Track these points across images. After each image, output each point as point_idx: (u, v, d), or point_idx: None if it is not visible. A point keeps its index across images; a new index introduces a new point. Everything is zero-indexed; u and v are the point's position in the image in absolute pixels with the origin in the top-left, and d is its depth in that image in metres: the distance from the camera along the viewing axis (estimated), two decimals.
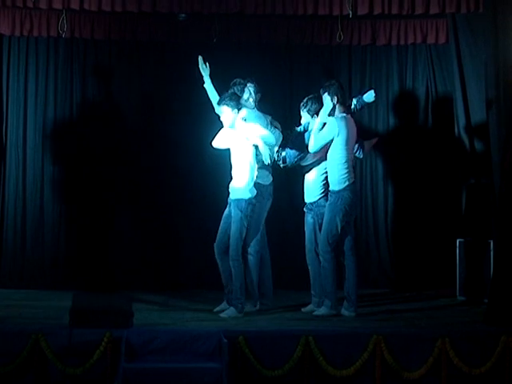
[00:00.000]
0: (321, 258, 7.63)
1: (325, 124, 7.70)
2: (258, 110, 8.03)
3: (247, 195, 7.65)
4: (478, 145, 8.87)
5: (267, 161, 7.66)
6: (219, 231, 7.82)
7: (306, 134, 7.81)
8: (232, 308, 7.60)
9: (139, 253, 9.54)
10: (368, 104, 7.98)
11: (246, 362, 6.50)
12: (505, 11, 7.49)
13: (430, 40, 9.53)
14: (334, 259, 7.60)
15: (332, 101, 7.65)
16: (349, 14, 7.97)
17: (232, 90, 7.89)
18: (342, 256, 7.72)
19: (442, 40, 9.45)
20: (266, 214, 7.94)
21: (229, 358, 6.38)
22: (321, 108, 7.78)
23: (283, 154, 7.76)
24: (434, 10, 7.97)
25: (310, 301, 7.95)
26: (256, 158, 7.71)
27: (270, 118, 8.09)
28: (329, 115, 7.66)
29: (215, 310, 7.75)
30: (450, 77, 9.38)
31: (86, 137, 9.64)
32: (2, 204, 9.57)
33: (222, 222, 7.83)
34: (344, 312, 7.62)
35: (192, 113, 9.33)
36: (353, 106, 7.81)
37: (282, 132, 7.97)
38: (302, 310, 7.91)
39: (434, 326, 7.19)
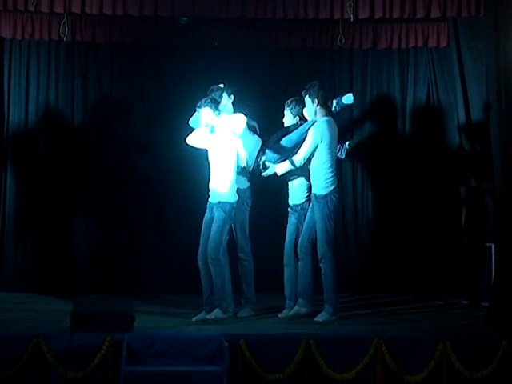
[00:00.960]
0: (322, 266, 7.57)
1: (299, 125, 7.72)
2: (235, 111, 7.96)
3: (231, 199, 7.59)
4: (479, 148, 8.87)
5: (248, 166, 7.65)
6: (202, 237, 7.66)
7: (285, 138, 7.74)
8: (217, 309, 7.50)
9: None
10: (347, 106, 7.97)
11: (246, 365, 6.49)
12: (506, 15, 7.51)
13: (431, 44, 9.53)
14: (335, 266, 7.56)
15: (313, 103, 7.62)
16: (350, 18, 7.99)
17: (211, 96, 7.79)
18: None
19: (443, 43, 9.45)
20: (248, 217, 7.92)
21: (229, 362, 6.37)
22: (303, 109, 7.76)
23: (263, 158, 7.70)
24: (435, 13, 7.99)
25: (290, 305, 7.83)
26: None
27: (247, 118, 8.06)
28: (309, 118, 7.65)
29: (194, 319, 7.52)
30: (451, 80, 9.38)
31: (87, 139, 9.65)
32: (4, 207, 9.56)
33: (203, 227, 7.67)
34: (324, 317, 7.51)
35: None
36: (332, 109, 7.79)
37: (259, 135, 7.91)
38: (279, 315, 7.80)
39: (435, 330, 7.18)
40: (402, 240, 9.83)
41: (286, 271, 7.88)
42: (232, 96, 7.94)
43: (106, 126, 9.73)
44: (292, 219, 7.91)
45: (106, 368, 6.37)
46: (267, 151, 7.72)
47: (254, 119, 8.04)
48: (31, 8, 8.02)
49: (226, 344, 6.41)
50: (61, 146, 9.64)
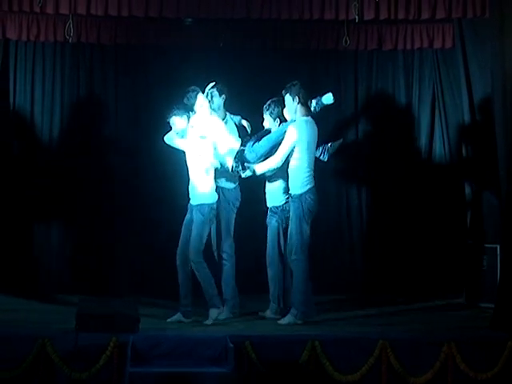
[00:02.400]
0: (293, 266, 7.50)
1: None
2: (227, 111, 7.96)
3: (209, 200, 7.56)
4: (484, 149, 8.86)
5: (226, 167, 7.64)
6: (181, 239, 7.64)
7: (264, 139, 7.71)
8: (213, 309, 7.46)
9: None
10: (327, 106, 7.91)
11: (252, 366, 6.48)
12: (511, 16, 7.49)
13: (437, 45, 9.52)
14: (308, 268, 7.47)
15: (293, 101, 7.58)
16: (355, 19, 7.96)
17: (185, 99, 7.77)
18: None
19: (448, 45, 9.44)
20: (234, 217, 7.89)
21: (235, 363, 6.36)
22: (283, 110, 7.72)
23: (241, 159, 7.65)
24: (440, 14, 7.96)
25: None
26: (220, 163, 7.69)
27: (239, 118, 8.04)
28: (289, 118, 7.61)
29: (168, 320, 7.47)
30: (457, 81, 9.37)
31: (92, 140, 9.67)
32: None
33: (183, 228, 7.65)
34: (290, 320, 7.42)
35: None
36: (312, 109, 7.76)
37: (247, 134, 7.90)
38: (260, 313, 7.81)
39: (440, 331, 7.18)
40: (406, 241, 9.83)
41: (269, 273, 7.81)
42: (223, 95, 7.90)
43: (111, 126, 9.74)
44: (273, 222, 7.83)
45: (111, 369, 6.37)
46: (246, 151, 7.68)
47: (245, 119, 8.02)
48: (36, 9, 8.00)
49: (232, 345, 6.41)
50: (64, 147, 9.66)
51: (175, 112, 7.65)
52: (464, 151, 9.28)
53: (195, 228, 7.51)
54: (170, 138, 7.85)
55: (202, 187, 7.57)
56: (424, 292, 9.46)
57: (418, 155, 9.90)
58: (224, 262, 7.88)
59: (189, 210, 7.67)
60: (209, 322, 7.42)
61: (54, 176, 9.56)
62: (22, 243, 9.52)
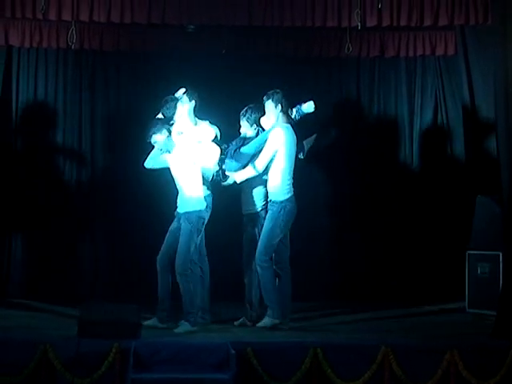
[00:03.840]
0: (258, 269, 7.47)
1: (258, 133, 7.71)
2: (196, 117, 7.93)
3: (197, 207, 7.49)
4: (486, 156, 8.86)
5: (207, 175, 7.61)
6: (164, 244, 7.57)
7: (245, 146, 7.69)
8: (186, 323, 7.36)
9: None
10: (307, 115, 7.87)
11: (253, 373, 6.47)
12: None
13: (439, 52, 9.54)
14: (272, 268, 7.47)
15: (276, 108, 7.57)
16: (357, 26, 7.97)
17: (164, 109, 7.75)
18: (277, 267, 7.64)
19: (450, 52, 9.46)
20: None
21: (236, 370, 6.36)
22: (261, 117, 7.69)
23: (223, 167, 7.63)
24: (442, 21, 7.97)
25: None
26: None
27: (207, 123, 7.99)
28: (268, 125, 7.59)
29: (145, 323, 7.28)
30: (459, 88, 9.39)
31: (94, 147, 9.68)
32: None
33: (168, 235, 7.59)
34: (267, 322, 7.44)
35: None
36: (293, 117, 7.73)
37: (217, 142, 7.86)
38: (235, 323, 7.77)
39: (442, 339, 7.16)
40: (407, 247, 9.84)
41: (246, 281, 7.79)
42: (193, 101, 7.86)
43: (113, 133, 9.75)
44: (248, 229, 7.80)
45: (113, 375, 6.36)
46: (227, 160, 7.66)
47: (214, 125, 7.98)
48: (39, 16, 8.03)
49: (233, 352, 6.40)
50: (69, 153, 9.68)
51: (154, 130, 7.54)
52: (466, 158, 9.27)
53: (182, 238, 7.41)
54: (153, 158, 7.72)
55: (190, 194, 7.48)
56: (426, 299, 9.44)
57: (420, 162, 9.90)
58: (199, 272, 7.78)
59: (176, 218, 7.60)
60: (178, 330, 7.33)
61: (54, 181, 9.61)
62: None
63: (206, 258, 7.84)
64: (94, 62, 9.82)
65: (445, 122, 9.78)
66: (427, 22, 8.00)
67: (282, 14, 8.09)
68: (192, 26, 9.15)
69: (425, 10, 7.96)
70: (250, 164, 7.61)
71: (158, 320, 7.55)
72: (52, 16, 8.03)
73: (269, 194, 7.58)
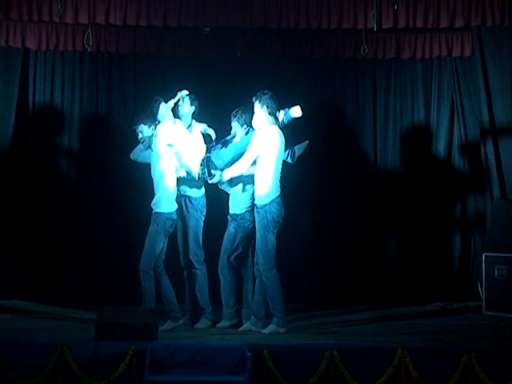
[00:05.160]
0: (263, 278, 7.45)
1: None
2: (194, 119, 8.00)
3: (166, 209, 7.58)
4: (504, 157, 8.82)
5: (193, 174, 7.66)
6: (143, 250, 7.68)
7: (230, 146, 7.71)
8: (168, 321, 7.54)
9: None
10: (295, 119, 7.81)
11: (270, 375, 6.47)
12: None
13: (456, 53, 9.49)
14: (277, 275, 7.43)
15: (262, 109, 7.53)
16: (373, 28, 7.97)
17: (151, 108, 7.82)
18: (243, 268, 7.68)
19: (467, 53, 9.42)
20: (202, 225, 7.88)
21: (253, 372, 6.36)
22: (252, 117, 7.68)
23: (208, 166, 7.63)
24: (459, 23, 7.95)
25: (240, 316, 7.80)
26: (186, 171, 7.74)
27: (204, 125, 8.04)
28: (256, 126, 7.59)
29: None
30: (476, 90, 9.35)
31: (110, 149, 9.71)
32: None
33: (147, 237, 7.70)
34: (272, 329, 7.40)
35: (217, 124, 9.36)
36: (280, 120, 7.68)
37: (212, 141, 7.92)
38: (217, 325, 7.76)
39: (459, 341, 7.12)
40: (424, 250, 9.79)
41: (222, 280, 7.77)
42: (193, 107, 7.93)
43: (129, 135, 9.77)
44: (230, 228, 7.80)
45: (129, 377, 6.38)
46: (213, 157, 7.68)
47: (210, 128, 8.05)
48: (56, 19, 8.09)
49: (249, 354, 6.40)
50: (86, 157, 9.73)
51: (143, 120, 7.73)
52: (483, 160, 9.23)
53: (147, 238, 7.58)
54: (136, 152, 7.96)
55: (159, 197, 7.61)
56: (439, 301, 9.43)
57: (436, 164, 9.86)
58: (195, 270, 7.85)
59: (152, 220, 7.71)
60: (164, 328, 7.39)
61: (70, 182, 9.69)
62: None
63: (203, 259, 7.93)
64: (110, 65, 9.84)
65: (461, 123, 9.73)
66: (443, 24, 7.98)
67: (298, 16, 8.09)
68: (207, 29, 9.16)
69: (441, 11, 7.95)
70: (234, 164, 7.59)
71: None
72: (68, 19, 8.09)
73: (255, 197, 7.56)
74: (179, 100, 7.91)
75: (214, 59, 9.62)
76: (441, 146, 9.88)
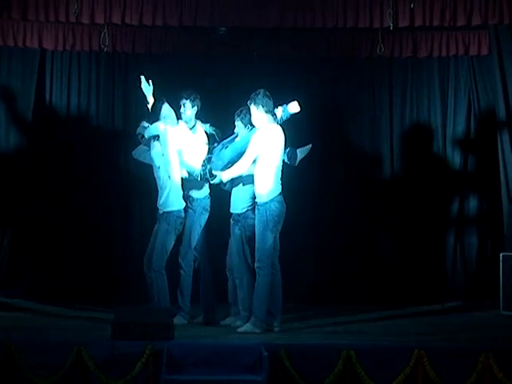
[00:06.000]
0: (256, 274, 7.41)
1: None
2: (198, 119, 8.02)
3: (175, 207, 7.63)
4: None
5: (195, 175, 7.67)
6: (149, 246, 7.72)
7: (230, 146, 7.69)
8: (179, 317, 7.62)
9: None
10: (293, 115, 7.76)
11: (286, 375, 6.45)
12: None
13: (473, 51, 9.45)
14: (269, 277, 7.37)
15: (258, 110, 7.48)
16: (389, 27, 7.95)
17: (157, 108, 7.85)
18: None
19: (484, 51, 9.38)
20: (199, 228, 7.87)
21: (269, 371, 6.34)
22: None
23: (208, 166, 7.63)
24: (476, 21, 7.91)
25: (236, 313, 7.76)
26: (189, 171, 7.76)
27: (208, 126, 8.05)
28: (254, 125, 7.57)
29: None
30: (493, 88, 9.31)
31: (127, 150, 9.73)
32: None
33: (151, 237, 7.75)
34: (247, 329, 7.35)
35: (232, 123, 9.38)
36: (279, 117, 7.64)
37: (215, 141, 7.92)
38: (221, 322, 7.79)
39: (477, 341, 7.10)
40: (441, 250, 9.76)
41: (237, 282, 7.76)
42: (196, 107, 7.96)
43: None
44: (235, 230, 7.77)
45: (146, 376, 6.38)
46: (213, 158, 7.67)
47: (212, 126, 8.06)
48: (72, 19, 8.12)
49: (266, 353, 6.39)
50: (102, 157, 9.76)
51: (143, 124, 7.80)
52: (500, 159, 9.19)
53: (159, 237, 7.62)
54: (138, 152, 8.02)
55: (166, 196, 7.64)
56: (460, 302, 9.40)
57: (454, 162, 9.83)
58: (181, 270, 7.88)
59: (157, 219, 7.74)
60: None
61: (87, 183, 9.72)
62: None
63: (207, 259, 7.99)
64: (126, 65, 9.87)
65: (478, 122, 9.69)
66: (460, 22, 7.94)
67: (314, 16, 8.08)
68: (223, 29, 9.17)
69: (458, 9, 7.92)
70: (234, 164, 7.59)
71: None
72: (85, 19, 8.12)
73: (256, 195, 7.54)
74: (182, 107, 7.90)
75: (230, 59, 9.61)
76: (457, 145, 9.84)
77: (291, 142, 7.87)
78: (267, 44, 9.46)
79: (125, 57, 9.80)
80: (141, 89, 7.85)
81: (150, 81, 7.82)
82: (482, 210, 9.71)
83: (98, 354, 6.40)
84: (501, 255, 8.74)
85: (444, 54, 9.55)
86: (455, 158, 9.86)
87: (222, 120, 8.37)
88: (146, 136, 7.75)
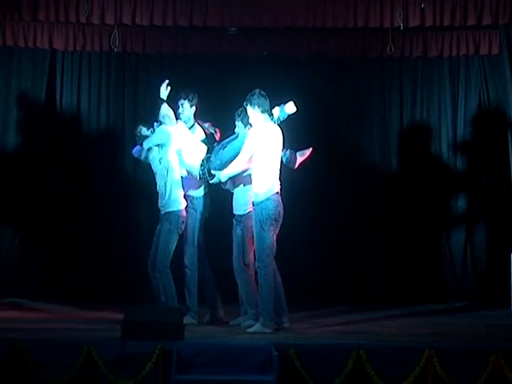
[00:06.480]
0: (258, 274, 7.42)
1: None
2: (197, 118, 8.04)
3: (176, 207, 7.67)
4: None
5: (194, 174, 7.70)
6: (152, 247, 7.77)
7: (228, 146, 7.68)
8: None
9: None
10: (290, 115, 7.70)
11: (296, 375, 6.45)
12: None
13: (483, 51, 9.42)
14: (271, 275, 7.36)
15: (254, 110, 7.47)
16: (400, 26, 7.94)
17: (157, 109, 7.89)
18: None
19: (494, 51, 9.34)
20: (199, 227, 7.88)
21: (279, 371, 6.34)
22: None
23: (207, 166, 7.64)
24: (486, 20, 7.90)
25: (245, 313, 7.76)
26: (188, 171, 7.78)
27: (207, 124, 8.05)
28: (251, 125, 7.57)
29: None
30: (503, 88, 9.28)
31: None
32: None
33: (154, 238, 7.79)
34: (257, 329, 7.34)
35: None
36: (276, 117, 7.61)
37: (215, 140, 7.93)
38: (230, 323, 7.80)
39: (487, 341, 7.06)
40: (452, 249, 9.74)
41: (238, 283, 7.75)
42: (193, 107, 7.96)
43: None
44: (237, 231, 7.77)
45: (156, 376, 6.39)
46: (212, 158, 7.67)
47: (213, 125, 8.07)
48: (83, 20, 8.14)
49: (276, 353, 6.39)
50: (112, 156, 9.78)
51: (141, 127, 7.88)
52: (511, 159, 9.17)
53: (162, 238, 7.67)
54: (137, 152, 8.06)
55: (166, 196, 7.68)
56: (469, 301, 9.38)
57: (465, 161, 9.81)
58: (186, 270, 7.91)
59: (159, 220, 7.78)
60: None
61: (96, 184, 9.76)
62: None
63: (206, 258, 8.01)
64: (136, 65, 9.89)
65: (489, 122, 9.67)
66: (471, 21, 7.93)
67: (324, 15, 8.08)
68: (233, 29, 9.17)
69: (468, 9, 7.90)
70: (231, 163, 7.59)
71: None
72: (95, 20, 8.14)
73: (253, 195, 7.53)
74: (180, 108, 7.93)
75: (240, 59, 9.61)
76: (468, 145, 9.81)
77: (298, 142, 7.88)
78: (277, 44, 9.44)
79: (135, 57, 9.82)
80: (159, 89, 7.87)
81: (169, 87, 7.85)
82: (492, 210, 9.68)
83: (108, 353, 6.41)
84: (511, 254, 8.73)
85: (454, 53, 9.53)
86: (466, 157, 9.83)
87: (232, 120, 8.37)
88: (148, 146, 7.79)
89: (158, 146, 7.77)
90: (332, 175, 9.74)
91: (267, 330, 7.31)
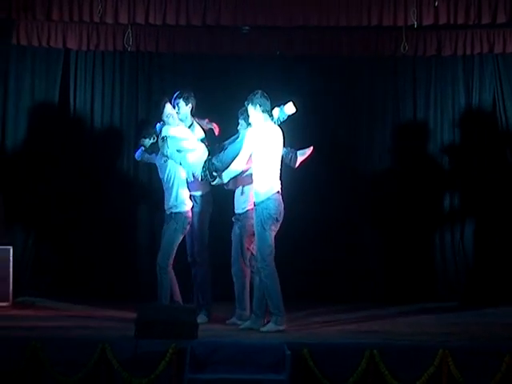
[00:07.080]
0: (261, 275, 7.42)
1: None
2: (195, 116, 8.04)
3: (182, 208, 7.73)
4: None
5: (196, 175, 7.70)
6: (160, 247, 7.83)
7: (229, 147, 7.67)
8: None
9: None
10: (290, 116, 7.66)
11: (309, 374, 6.45)
12: None
13: (497, 49, 9.38)
14: (275, 273, 7.37)
15: (255, 110, 7.46)
16: (413, 25, 7.92)
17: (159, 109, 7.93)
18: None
19: (509, 49, 9.31)
20: (207, 224, 7.93)
21: (292, 370, 6.34)
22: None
23: (209, 167, 7.63)
24: (500, 19, 7.88)
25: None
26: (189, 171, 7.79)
27: (205, 121, 8.04)
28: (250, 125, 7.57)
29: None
30: None
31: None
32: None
33: (162, 238, 7.85)
34: (271, 328, 7.35)
35: None
36: (276, 117, 7.59)
37: (216, 137, 7.96)
38: (227, 322, 7.80)
39: (501, 341, 7.05)
40: (466, 249, 9.73)
41: (235, 282, 7.79)
42: (190, 104, 7.95)
43: None
44: (235, 229, 7.81)
45: (169, 375, 6.40)
46: (214, 160, 7.67)
47: (212, 121, 8.08)
48: (96, 19, 8.17)
49: (289, 352, 6.39)
50: (126, 155, 9.81)
51: (143, 135, 7.99)
52: None
53: (166, 236, 7.75)
54: (140, 155, 8.14)
55: (173, 197, 7.74)
56: (484, 300, 9.35)
57: (479, 161, 9.78)
58: (199, 268, 7.94)
59: (165, 220, 7.83)
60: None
61: (110, 184, 9.77)
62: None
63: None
64: (150, 64, 9.90)
65: (503, 121, 9.63)
66: (485, 20, 7.91)
67: (338, 14, 8.07)
68: (247, 28, 9.17)
69: (482, 7, 7.88)
70: (231, 164, 7.59)
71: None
72: (109, 19, 8.17)
73: (254, 194, 7.53)
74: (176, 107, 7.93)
75: (253, 58, 9.61)
76: (482, 144, 9.78)
77: (304, 141, 7.87)
78: (290, 43, 9.43)
79: (148, 56, 9.83)
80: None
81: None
82: (501, 209, 9.64)
83: (121, 352, 6.44)
84: None
85: (468, 52, 9.49)
86: (480, 156, 9.79)
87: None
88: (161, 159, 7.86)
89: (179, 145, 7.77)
90: (332, 175, 9.71)
91: (281, 328, 7.33)
